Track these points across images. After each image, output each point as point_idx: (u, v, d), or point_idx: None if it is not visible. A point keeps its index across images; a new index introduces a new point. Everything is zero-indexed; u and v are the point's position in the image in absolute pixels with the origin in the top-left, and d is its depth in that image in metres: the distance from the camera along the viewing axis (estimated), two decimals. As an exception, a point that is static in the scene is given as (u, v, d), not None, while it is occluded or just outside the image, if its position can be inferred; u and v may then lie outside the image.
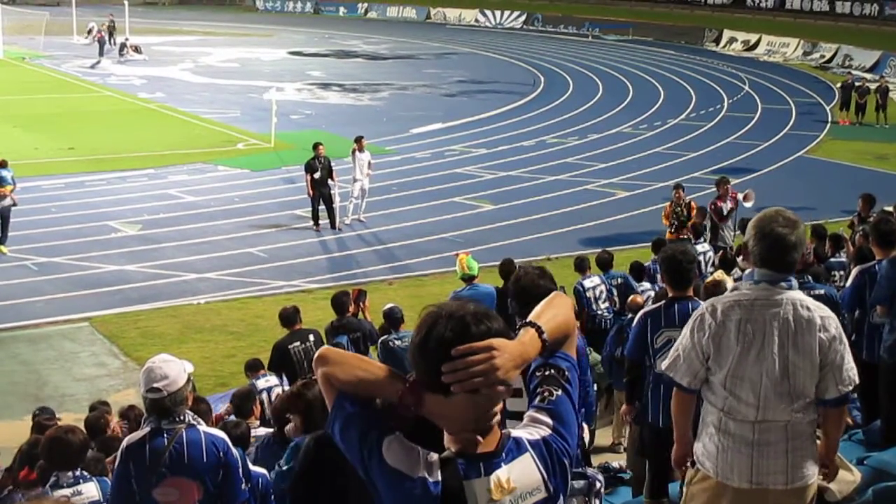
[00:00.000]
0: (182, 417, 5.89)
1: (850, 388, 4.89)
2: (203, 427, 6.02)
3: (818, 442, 5.05)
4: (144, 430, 5.92)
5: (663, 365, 5.16)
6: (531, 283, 5.74)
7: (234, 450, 6.07)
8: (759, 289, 4.84)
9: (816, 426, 5.01)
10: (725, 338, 4.81)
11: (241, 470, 6.03)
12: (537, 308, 3.19)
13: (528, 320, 3.09)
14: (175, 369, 5.89)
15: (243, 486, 6.06)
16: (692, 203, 19.42)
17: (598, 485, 6.06)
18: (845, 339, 4.88)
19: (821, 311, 4.83)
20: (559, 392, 3.07)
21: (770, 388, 4.77)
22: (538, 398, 3.08)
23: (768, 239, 4.80)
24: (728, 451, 4.89)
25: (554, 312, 3.16)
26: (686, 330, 4.99)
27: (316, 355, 3.11)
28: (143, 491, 5.82)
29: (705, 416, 5.04)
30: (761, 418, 4.81)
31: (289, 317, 11.90)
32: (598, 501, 6.06)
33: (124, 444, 5.95)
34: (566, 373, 3.12)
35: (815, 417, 4.96)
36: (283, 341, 11.68)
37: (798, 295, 4.86)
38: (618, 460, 9.50)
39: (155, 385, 5.80)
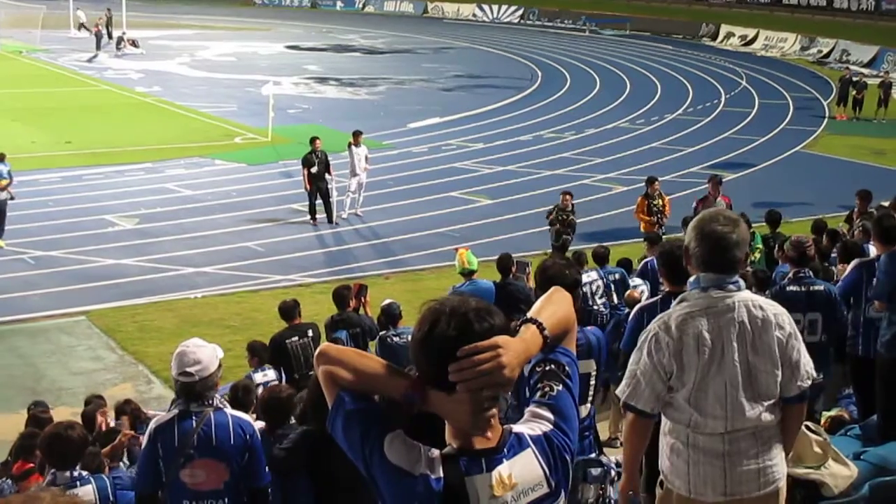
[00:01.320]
0: (210, 401, 6.00)
1: (809, 382, 4.81)
2: (230, 410, 6.16)
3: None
4: (172, 412, 6.03)
5: (620, 393, 4.95)
6: (559, 272, 5.76)
7: (258, 434, 6.15)
8: (708, 296, 4.73)
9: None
10: (686, 353, 4.68)
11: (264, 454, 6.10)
12: (537, 304, 3.19)
13: (528, 317, 3.10)
14: (208, 354, 6.02)
15: (266, 469, 6.13)
16: (663, 193, 19.94)
17: (612, 472, 6.09)
18: (800, 335, 4.81)
19: (773, 309, 4.75)
20: (560, 387, 3.08)
21: (735, 396, 4.69)
22: (539, 393, 3.08)
23: (709, 239, 4.69)
24: (699, 464, 4.80)
25: (554, 308, 3.16)
26: (640, 354, 4.81)
27: (317, 352, 3.10)
28: (171, 472, 5.93)
29: (668, 433, 4.93)
30: (730, 428, 4.72)
31: (288, 311, 11.84)
32: (612, 488, 6.09)
33: (152, 425, 6.06)
34: (566, 368, 3.12)
35: (780, 418, 4.88)
36: (280, 335, 11.63)
37: (748, 295, 4.77)
38: (615, 454, 9.48)
39: (187, 369, 5.92)
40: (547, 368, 3.11)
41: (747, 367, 4.68)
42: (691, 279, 4.90)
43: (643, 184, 20.29)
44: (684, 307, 4.77)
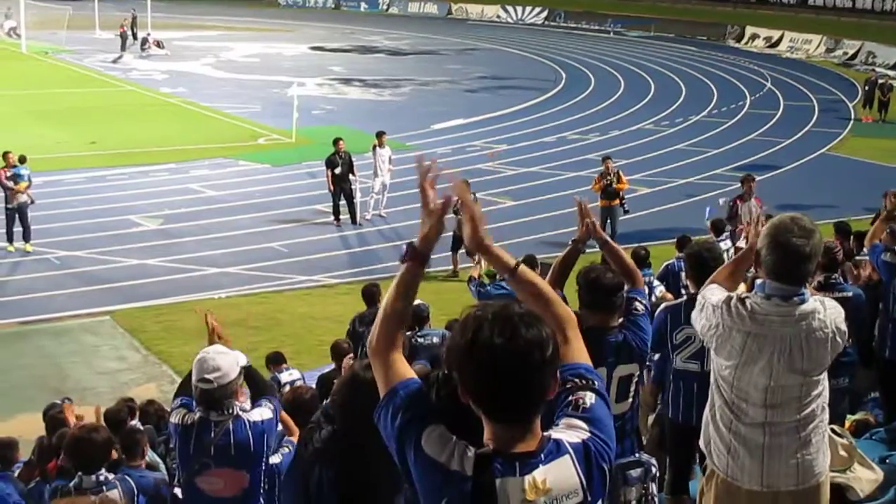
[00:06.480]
0: (230, 409, 6.00)
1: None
2: (249, 417, 6.15)
3: None
4: (193, 416, 6.04)
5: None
6: (601, 275, 6.12)
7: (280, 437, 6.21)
8: (771, 304, 4.71)
9: (828, 425, 4.96)
10: (732, 341, 4.73)
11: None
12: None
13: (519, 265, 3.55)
14: (228, 361, 5.99)
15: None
16: (620, 173, 21.13)
17: (653, 469, 6.10)
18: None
19: (835, 325, 4.74)
20: (593, 399, 3.08)
21: (778, 390, 4.72)
22: (570, 407, 3.07)
23: (782, 249, 4.64)
24: (739, 452, 4.84)
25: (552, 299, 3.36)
26: (719, 300, 4.85)
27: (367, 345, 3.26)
28: (185, 476, 6.02)
29: (714, 413, 4.97)
30: (770, 420, 4.75)
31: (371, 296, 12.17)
32: (654, 485, 6.09)
33: (176, 421, 6.09)
34: (594, 382, 3.14)
35: (826, 417, 4.89)
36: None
37: (811, 307, 4.73)
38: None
39: (206, 376, 5.91)
40: (580, 382, 3.12)
41: (792, 364, 4.71)
42: (758, 282, 4.92)
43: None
44: (747, 304, 4.78)
